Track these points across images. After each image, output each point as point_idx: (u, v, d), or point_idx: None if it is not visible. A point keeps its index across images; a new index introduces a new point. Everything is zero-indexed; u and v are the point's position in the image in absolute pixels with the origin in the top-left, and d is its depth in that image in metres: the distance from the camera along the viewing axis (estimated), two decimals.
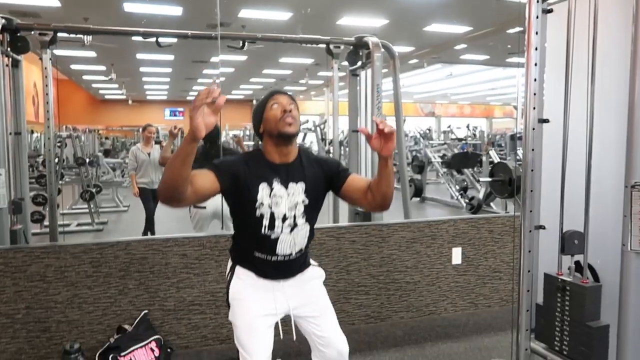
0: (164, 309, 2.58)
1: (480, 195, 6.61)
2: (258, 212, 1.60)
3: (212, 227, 3.68)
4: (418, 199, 8.39)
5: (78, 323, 2.46)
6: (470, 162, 7.74)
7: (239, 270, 1.72)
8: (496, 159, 6.50)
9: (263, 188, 1.60)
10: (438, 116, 24.47)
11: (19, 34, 3.19)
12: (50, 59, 3.32)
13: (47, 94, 3.30)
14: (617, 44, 1.80)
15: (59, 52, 11.02)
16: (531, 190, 1.92)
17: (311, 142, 12.25)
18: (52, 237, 3.34)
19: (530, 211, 1.93)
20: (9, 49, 3.13)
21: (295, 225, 1.64)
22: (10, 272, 2.36)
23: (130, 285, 2.51)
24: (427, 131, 18.01)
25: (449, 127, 14.34)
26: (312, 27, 9.04)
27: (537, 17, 1.86)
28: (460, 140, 11.24)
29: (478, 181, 7.22)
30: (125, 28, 3.73)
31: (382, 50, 3.65)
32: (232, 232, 1.77)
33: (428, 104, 24.57)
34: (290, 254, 1.67)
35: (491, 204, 6.94)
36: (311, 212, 1.68)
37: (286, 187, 1.63)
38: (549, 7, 2.04)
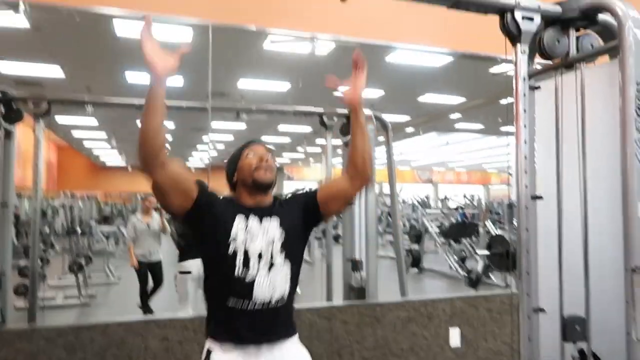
0: None
1: (479, 268, 6.46)
2: (231, 249, 1.49)
3: (199, 299, 3.54)
4: (416, 269, 8.21)
5: None
6: (468, 232, 7.65)
7: (214, 356, 1.52)
8: (493, 231, 6.42)
9: (239, 221, 1.52)
10: (435, 183, 24.60)
11: (13, 106, 3.21)
12: (43, 128, 3.31)
13: (36, 165, 3.27)
14: (605, 117, 1.78)
15: (60, 119, 11.23)
16: (527, 273, 1.82)
17: None
18: (30, 316, 3.16)
19: (528, 294, 1.82)
20: (2, 120, 3.14)
21: (272, 264, 1.51)
22: None
23: None
24: (425, 199, 18.04)
25: (445, 197, 14.40)
26: (309, 98, 9.27)
27: (525, 95, 1.84)
28: (455, 209, 11.19)
29: (476, 253, 7.09)
30: (119, 99, 3.77)
31: (375, 121, 3.68)
32: None
33: (426, 171, 24.79)
34: (270, 302, 1.50)
35: (491, 275, 6.77)
36: (290, 248, 1.56)
37: (260, 222, 1.55)
38: (536, 85, 2.05)
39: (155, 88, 1.32)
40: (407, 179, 24.55)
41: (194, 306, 3.74)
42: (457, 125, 12.96)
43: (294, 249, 1.58)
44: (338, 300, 3.84)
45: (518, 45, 1.84)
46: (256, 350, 1.51)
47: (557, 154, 1.94)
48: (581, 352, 1.88)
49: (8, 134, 3.23)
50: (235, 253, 1.49)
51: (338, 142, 4.00)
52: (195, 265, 3.66)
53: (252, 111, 3.68)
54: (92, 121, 11.32)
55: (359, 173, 1.58)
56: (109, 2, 1.84)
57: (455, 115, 11.28)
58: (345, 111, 3.81)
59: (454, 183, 24.62)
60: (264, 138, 15.37)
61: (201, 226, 1.52)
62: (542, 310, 1.90)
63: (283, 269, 1.54)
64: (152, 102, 1.32)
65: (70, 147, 16.43)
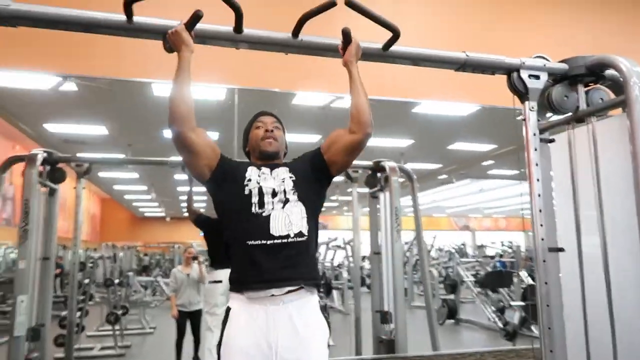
0: None
1: (515, 320, 6.22)
2: (247, 190, 1.56)
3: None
4: (452, 321, 7.97)
5: None
6: (505, 281, 7.42)
7: (234, 312, 1.53)
8: (527, 281, 6.22)
9: (252, 169, 1.62)
10: (473, 230, 24.06)
11: (57, 166, 3.46)
12: (84, 187, 3.54)
13: (76, 221, 3.47)
14: (620, 166, 1.78)
15: (103, 174, 11.79)
16: (549, 328, 1.79)
17: (341, 261, 11.98)
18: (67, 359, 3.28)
19: (551, 351, 1.79)
20: (47, 180, 3.38)
21: (287, 200, 1.55)
22: None
23: None
24: (462, 246, 17.60)
25: (481, 244, 14.06)
26: None
27: (536, 149, 1.89)
28: (491, 257, 10.90)
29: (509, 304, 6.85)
30: (151, 158, 3.98)
31: (400, 172, 3.75)
32: None
33: (462, 217, 24.36)
34: (288, 235, 1.52)
35: (532, 327, 6.49)
36: (301, 190, 1.59)
37: (271, 171, 1.62)
38: (550, 138, 2.09)
39: (185, 60, 1.50)
40: (443, 226, 24.09)
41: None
42: (491, 172, 12.84)
43: (306, 192, 1.60)
44: (368, 352, 3.78)
45: (526, 102, 1.90)
46: (277, 296, 1.49)
47: (575, 205, 1.95)
48: None
49: (52, 192, 3.46)
50: (250, 192, 1.55)
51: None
52: (225, 275, 3.74)
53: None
54: (133, 175, 11.84)
55: (355, 123, 1.61)
56: (147, 73, 2.02)
57: (487, 162, 11.22)
58: (369, 163, 3.91)
59: (492, 230, 24.01)
60: None
61: (223, 181, 1.60)
62: None
63: (297, 205, 1.56)
64: (182, 71, 1.49)
65: (112, 200, 17.09)
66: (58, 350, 4.39)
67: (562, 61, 1.97)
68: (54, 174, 3.44)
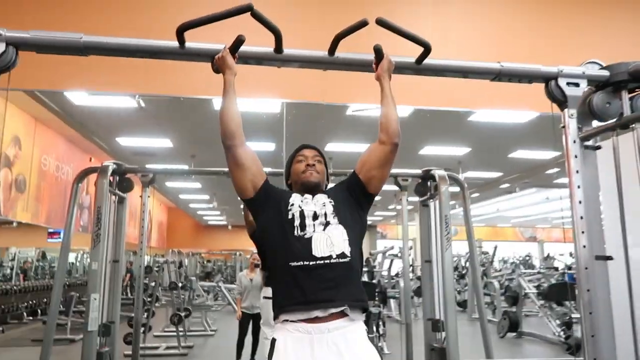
0: None
1: (578, 334, 5.95)
2: (290, 214, 1.63)
3: None
4: (514, 334, 7.71)
5: None
6: (571, 294, 7.10)
7: (279, 342, 1.53)
8: None
9: (295, 196, 1.70)
10: (540, 241, 22.99)
11: (125, 176, 3.76)
12: (149, 196, 3.82)
13: (142, 227, 3.75)
14: None
15: (169, 184, 12.44)
16: (592, 336, 1.78)
17: (398, 270, 11.89)
18: (134, 355, 3.55)
19: (595, 359, 1.77)
20: (116, 189, 3.68)
21: (327, 222, 1.61)
22: None
23: None
24: (527, 258, 16.88)
25: (547, 255, 13.46)
26: (396, 157, 9.46)
27: (576, 157, 1.88)
28: (555, 269, 10.41)
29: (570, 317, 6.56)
30: (211, 169, 4.21)
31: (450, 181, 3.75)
32: None
33: (528, 228, 23.36)
34: (330, 256, 1.55)
35: None
36: (341, 214, 1.64)
37: (312, 197, 1.70)
38: (597, 145, 2.06)
39: (229, 82, 1.65)
40: (509, 236, 23.23)
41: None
42: (557, 181, 12.32)
43: (346, 216, 1.65)
44: None
45: (566, 110, 1.90)
46: (321, 320, 1.49)
47: (621, 212, 1.92)
48: None
49: (121, 200, 3.76)
50: (293, 217, 1.62)
51: None
52: None
53: (331, 174, 3.91)
54: (196, 185, 12.40)
55: (384, 133, 1.68)
56: (208, 91, 2.20)
57: (552, 170, 10.78)
58: (418, 172, 3.94)
59: (561, 241, 22.86)
60: None
61: (266, 201, 1.69)
62: None
63: (338, 228, 1.60)
64: (227, 93, 1.64)
65: (178, 208, 17.93)
66: (127, 347, 4.73)
67: (603, 68, 1.95)
68: (123, 184, 3.74)
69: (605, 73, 1.92)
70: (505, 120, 6.11)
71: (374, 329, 5.59)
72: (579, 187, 1.86)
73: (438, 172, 3.81)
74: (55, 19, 2.70)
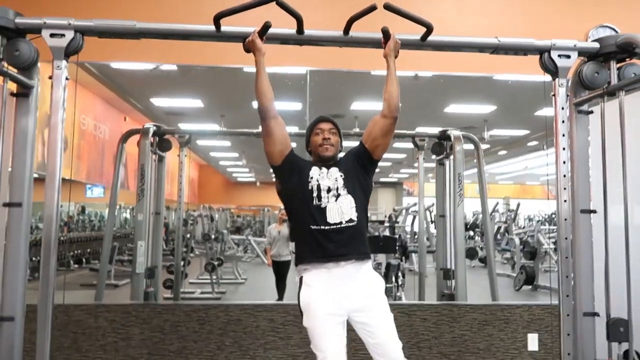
0: None
1: None
2: (310, 185, 2.00)
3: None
4: (530, 286, 8.01)
5: None
6: None
7: (305, 278, 1.99)
8: None
9: (314, 169, 2.05)
10: None
11: (164, 137, 4.12)
12: (186, 155, 4.19)
13: (180, 183, 4.15)
14: None
15: (200, 142, 12.88)
16: (567, 277, 2.08)
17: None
18: (175, 297, 4.02)
19: (567, 296, 2.07)
20: (156, 149, 4.06)
21: (338, 195, 1.99)
22: (139, 323, 2.99)
23: (226, 342, 3.01)
24: (553, 216, 16.89)
25: None
26: (421, 115, 9.57)
27: (563, 122, 2.12)
28: None
29: None
30: (241, 130, 4.53)
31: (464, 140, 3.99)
32: None
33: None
34: (340, 223, 1.95)
35: None
36: (350, 186, 2.01)
37: (328, 170, 2.05)
38: (589, 109, 2.29)
39: (260, 62, 1.93)
40: (538, 194, 23.12)
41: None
42: None
43: (354, 186, 2.02)
44: None
45: (556, 79, 2.12)
46: (335, 265, 1.92)
47: (604, 171, 2.17)
48: (625, 353, 2.07)
49: (161, 159, 4.15)
50: (312, 189, 1.99)
51: None
52: None
53: (351, 135, 4.19)
54: (226, 143, 12.80)
55: (386, 107, 2.00)
56: (239, 60, 2.43)
57: None
58: (436, 132, 4.19)
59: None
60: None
61: (291, 171, 2.05)
62: (595, 313, 2.13)
63: (347, 198, 1.98)
64: (258, 72, 1.93)
65: (209, 165, 18.49)
66: (166, 292, 5.25)
67: (595, 40, 2.15)
68: (162, 144, 4.11)
69: (596, 45, 2.13)
70: (531, 79, 6.18)
71: (393, 280, 5.97)
72: (564, 149, 2.11)
73: (453, 132, 4.05)
74: (107, 7, 3.05)
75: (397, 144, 14.04)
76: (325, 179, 2.04)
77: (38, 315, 1.89)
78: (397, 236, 7.91)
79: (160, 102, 8.15)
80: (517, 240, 9.81)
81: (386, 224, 8.66)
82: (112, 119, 9.69)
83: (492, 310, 3.16)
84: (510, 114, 9.84)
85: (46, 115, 2.03)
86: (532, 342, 3.15)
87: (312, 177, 2.03)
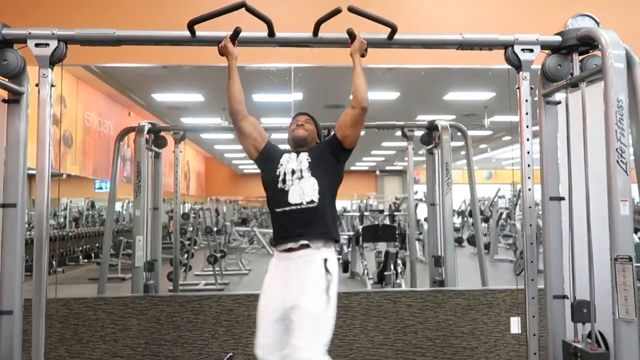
0: (246, 353, 3.15)
1: None
2: (277, 171, 2.11)
3: None
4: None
5: (181, 359, 3.14)
6: None
7: (271, 261, 2.17)
8: None
9: (285, 155, 2.17)
10: None
11: (159, 134, 4.25)
12: (181, 151, 4.32)
13: (176, 178, 4.28)
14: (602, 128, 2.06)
15: (204, 135, 13.02)
16: (531, 262, 2.18)
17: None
18: (175, 289, 4.18)
19: (532, 280, 2.18)
20: (152, 145, 4.19)
21: (302, 177, 2.08)
22: (135, 314, 3.14)
23: (220, 331, 3.15)
24: None
25: None
26: (420, 104, 9.62)
27: (527, 114, 2.21)
28: None
29: None
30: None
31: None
32: None
33: None
34: (301, 203, 2.03)
35: None
36: (315, 169, 2.09)
37: (297, 155, 2.16)
38: (557, 100, 2.37)
39: (232, 66, 2.06)
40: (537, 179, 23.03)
41: None
42: None
43: (318, 169, 2.09)
44: None
45: (521, 72, 2.21)
46: (289, 254, 2.04)
47: (568, 160, 2.26)
48: (590, 333, 2.17)
49: (157, 155, 4.27)
50: (279, 173, 2.10)
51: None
52: None
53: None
54: (229, 135, 12.92)
55: (354, 99, 2.09)
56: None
57: None
58: (424, 123, 4.27)
59: None
60: (384, 144, 15.92)
61: (266, 160, 2.18)
62: (564, 296, 2.24)
63: (310, 180, 2.06)
64: (230, 75, 2.06)
65: (214, 158, 18.67)
66: (171, 284, 5.42)
67: (557, 34, 2.22)
68: (158, 141, 4.24)
69: (557, 38, 2.20)
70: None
71: (392, 267, 6.09)
72: (527, 139, 2.20)
73: (441, 123, 4.14)
74: (91, 17, 3.17)
75: (399, 132, 14.02)
76: (293, 162, 2.13)
77: (33, 308, 2.03)
78: (396, 224, 8.03)
79: (161, 97, 8.28)
80: (518, 226, 9.87)
81: (386, 213, 8.76)
82: (117, 114, 9.84)
83: (475, 295, 3.27)
84: (510, 100, 9.88)
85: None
86: (515, 324, 3.25)
87: (281, 164, 2.14)
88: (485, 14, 3.64)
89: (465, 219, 10.87)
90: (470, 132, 7.16)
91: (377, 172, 20.52)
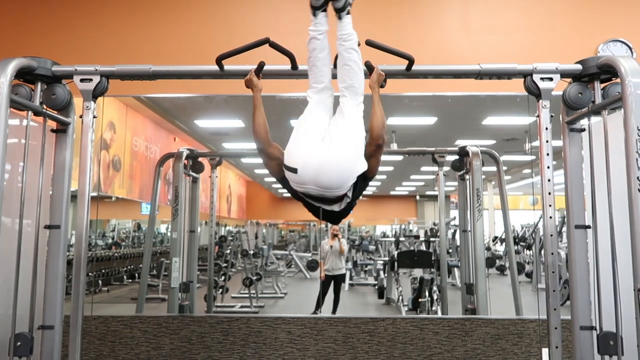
0: None
1: None
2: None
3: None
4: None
5: None
6: None
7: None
8: None
9: None
10: None
11: (198, 160, 4.45)
12: (217, 176, 4.50)
13: (212, 202, 4.44)
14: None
15: (245, 160, 13.37)
16: (554, 290, 2.15)
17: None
18: (208, 310, 4.30)
19: (555, 309, 2.14)
20: (190, 170, 4.38)
21: None
22: (168, 333, 3.27)
23: (248, 353, 3.22)
24: None
25: None
26: (458, 128, 9.55)
27: (547, 141, 2.21)
28: None
29: None
30: None
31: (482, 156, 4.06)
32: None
33: None
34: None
35: None
36: None
37: None
38: (581, 127, 2.36)
39: (256, 98, 2.15)
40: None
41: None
42: None
43: None
44: None
45: (540, 101, 2.22)
46: None
47: (592, 187, 2.24)
48: None
49: (195, 180, 4.47)
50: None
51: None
52: None
53: None
54: None
55: (369, 136, 2.09)
56: (272, 89, 2.66)
57: None
58: (455, 149, 4.28)
59: None
60: (423, 169, 15.85)
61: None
62: (592, 327, 2.19)
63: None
64: (255, 107, 2.14)
65: (255, 182, 19.05)
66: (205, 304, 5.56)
67: (578, 62, 2.23)
68: (195, 166, 4.44)
69: (578, 67, 2.21)
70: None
71: (426, 294, 6.02)
72: (548, 167, 2.20)
73: (472, 148, 4.14)
74: (129, 52, 3.43)
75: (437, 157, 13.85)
76: None
77: (70, 324, 2.18)
78: (432, 251, 7.93)
79: (203, 123, 8.63)
80: (562, 254, 9.52)
81: (422, 239, 8.66)
82: (163, 139, 10.30)
83: (505, 325, 3.21)
84: (554, 124, 9.67)
85: (100, 139, 2.34)
86: (546, 356, 3.15)
87: None
88: (518, 41, 3.65)
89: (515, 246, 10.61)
90: (511, 157, 7.28)
91: (417, 197, 20.34)
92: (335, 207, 2.12)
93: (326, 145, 2.03)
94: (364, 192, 2.29)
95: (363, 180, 2.23)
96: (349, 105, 2.09)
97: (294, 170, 2.02)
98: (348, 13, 2.08)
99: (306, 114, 2.15)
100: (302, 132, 2.09)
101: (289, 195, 2.23)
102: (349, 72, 2.09)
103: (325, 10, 2.08)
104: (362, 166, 2.06)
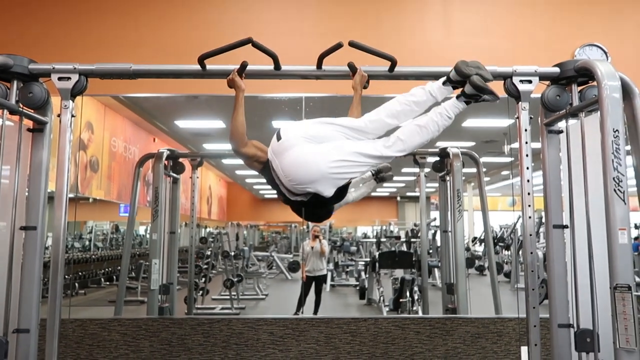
0: None
1: None
2: None
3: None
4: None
5: None
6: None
7: None
8: None
9: None
10: None
11: (178, 160, 4.40)
12: (198, 177, 4.45)
13: (192, 203, 4.40)
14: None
15: (226, 161, 13.28)
16: (532, 289, 2.18)
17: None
18: (189, 312, 4.25)
19: (534, 307, 2.18)
20: (171, 171, 4.33)
21: None
22: (148, 336, 3.22)
23: (229, 355, 3.19)
24: None
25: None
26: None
27: (526, 143, 2.25)
28: None
29: None
30: None
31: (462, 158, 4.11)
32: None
33: None
34: None
35: None
36: None
37: None
38: (559, 129, 2.41)
39: (238, 98, 2.14)
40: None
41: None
42: None
43: None
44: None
45: (520, 103, 2.26)
46: None
47: (569, 188, 2.28)
48: None
49: (175, 181, 4.42)
50: None
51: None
52: None
53: None
54: None
55: None
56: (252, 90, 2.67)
57: None
58: (436, 150, 4.32)
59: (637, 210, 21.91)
60: (404, 170, 16.00)
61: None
62: (569, 325, 2.23)
63: None
64: (236, 106, 2.13)
65: (236, 183, 18.92)
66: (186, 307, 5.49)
67: (555, 65, 2.28)
68: (176, 167, 4.39)
69: (556, 70, 2.26)
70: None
71: (407, 294, 6.06)
72: (527, 168, 2.24)
73: (452, 150, 4.18)
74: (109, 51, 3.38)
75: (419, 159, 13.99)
76: None
77: (47, 327, 2.13)
78: (412, 251, 7.99)
79: (184, 124, 8.53)
80: (540, 254, 9.69)
81: (402, 240, 8.73)
82: (142, 140, 10.16)
83: (485, 323, 3.25)
84: (531, 126, 9.85)
85: (78, 139, 2.30)
86: (525, 354, 3.20)
87: None
88: (495, 45, 3.71)
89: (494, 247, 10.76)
90: (490, 159, 7.37)
91: (398, 198, 20.47)
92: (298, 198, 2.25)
93: (309, 140, 2.06)
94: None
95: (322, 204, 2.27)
96: (366, 142, 2.11)
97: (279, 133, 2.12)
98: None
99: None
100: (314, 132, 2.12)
101: (270, 196, 2.25)
102: (411, 129, 2.15)
103: None
104: (325, 189, 2.14)
